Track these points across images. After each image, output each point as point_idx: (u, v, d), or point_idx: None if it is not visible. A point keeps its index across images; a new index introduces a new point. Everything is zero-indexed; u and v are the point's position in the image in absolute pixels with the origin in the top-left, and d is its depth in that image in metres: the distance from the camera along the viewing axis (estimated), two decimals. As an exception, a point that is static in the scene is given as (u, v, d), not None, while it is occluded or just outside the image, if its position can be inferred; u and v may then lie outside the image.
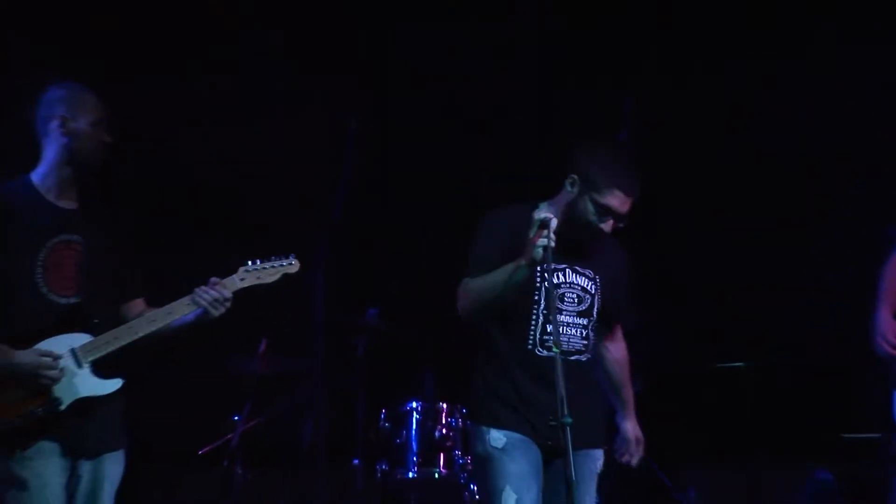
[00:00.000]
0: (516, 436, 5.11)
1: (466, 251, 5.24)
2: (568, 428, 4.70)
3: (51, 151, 5.07)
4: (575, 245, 5.07)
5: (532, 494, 5.06)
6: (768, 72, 8.29)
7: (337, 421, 6.96)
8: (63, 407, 4.98)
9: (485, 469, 5.19)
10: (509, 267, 4.98)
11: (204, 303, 5.14)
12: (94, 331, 5.08)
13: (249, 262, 5.28)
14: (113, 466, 5.15)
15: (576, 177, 5.18)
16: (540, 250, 4.87)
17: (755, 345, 7.97)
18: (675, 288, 8.25)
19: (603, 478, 5.91)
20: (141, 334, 5.07)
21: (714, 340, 7.98)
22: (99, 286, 5.14)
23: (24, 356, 4.93)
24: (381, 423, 6.78)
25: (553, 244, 4.92)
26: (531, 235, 4.93)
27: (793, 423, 7.77)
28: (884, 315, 5.68)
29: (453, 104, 8.54)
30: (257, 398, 7.12)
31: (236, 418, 7.07)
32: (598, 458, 5.22)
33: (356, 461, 6.79)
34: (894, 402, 5.70)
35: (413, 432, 6.69)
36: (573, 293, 5.16)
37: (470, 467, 6.61)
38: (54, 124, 5.05)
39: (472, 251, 5.18)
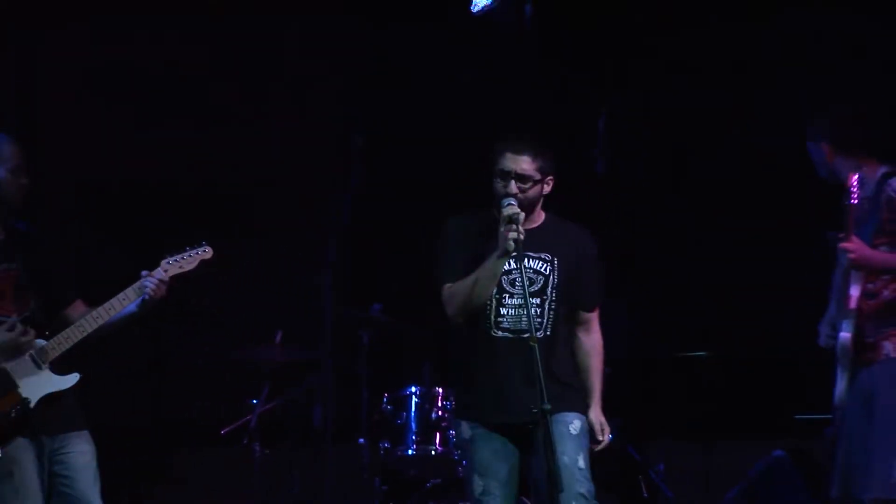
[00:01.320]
0: (479, 428, 5.27)
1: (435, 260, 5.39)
2: (543, 405, 4.83)
3: None
4: (527, 232, 5.16)
5: (500, 477, 5.22)
6: (769, 71, 8.09)
7: (344, 404, 7.06)
8: (32, 405, 5.26)
9: (463, 457, 5.48)
10: (487, 264, 5.14)
11: (149, 289, 5.31)
12: (46, 336, 5.30)
13: (168, 256, 5.44)
14: (81, 442, 5.36)
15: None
16: (511, 243, 5.04)
17: (754, 341, 7.94)
18: (676, 286, 8.06)
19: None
20: (89, 331, 5.31)
21: (711, 334, 7.82)
22: (42, 298, 5.36)
23: None
24: (384, 406, 6.90)
25: (522, 236, 5.06)
26: (502, 230, 5.08)
27: (750, 405, 7.56)
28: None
29: (453, 106, 8.37)
30: (273, 384, 7.22)
31: (254, 402, 7.19)
32: (570, 420, 5.24)
33: (361, 440, 6.93)
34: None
35: (412, 414, 6.81)
36: (522, 277, 5.20)
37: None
38: None
39: (441, 260, 5.37)
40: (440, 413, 6.81)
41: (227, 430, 7.29)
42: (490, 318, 5.27)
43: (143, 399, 8.48)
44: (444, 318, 5.32)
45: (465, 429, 5.28)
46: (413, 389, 6.87)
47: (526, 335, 5.12)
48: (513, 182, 5.23)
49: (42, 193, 7.70)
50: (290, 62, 8.60)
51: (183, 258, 5.44)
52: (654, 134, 8.19)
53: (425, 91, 8.40)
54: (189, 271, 5.46)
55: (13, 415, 5.22)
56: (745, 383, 7.57)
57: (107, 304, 5.32)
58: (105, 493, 6.17)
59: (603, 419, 5.34)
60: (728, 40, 8.08)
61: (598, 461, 6.69)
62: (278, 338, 7.20)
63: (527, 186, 5.25)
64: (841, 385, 5.75)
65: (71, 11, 8.25)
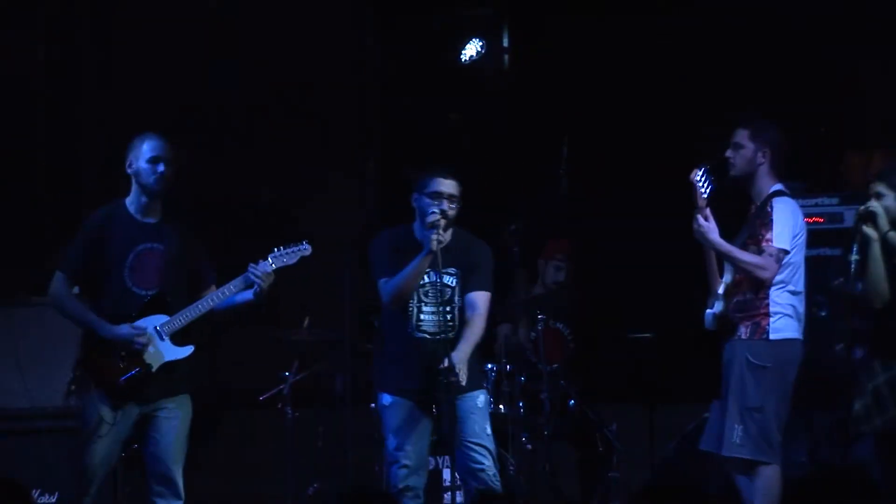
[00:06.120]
0: (396, 398, 5.90)
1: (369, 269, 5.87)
2: (450, 385, 5.55)
3: (133, 184, 5.87)
4: (441, 252, 5.65)
5: (409, 437, 5.81)
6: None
7: (359, 375, 7.39)
8: (154, 370, 5.71)
9: (380, 420, 6.03)
10: (416, 260, 5.67)
11: (255, 278, 5.66)
12: (170, 312, 5.75)
13: (276, 249, 5.78)
14: (184, 406, 5.80)
15: (414, 195, 5.80)
16: (435, 242, 5.59)
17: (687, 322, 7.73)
18: (624, 278, 8.40)
19: (549, 416, 7.04)
20: (204, 311, 5.71)
21: (653, 318, 8.00)
22: (176, 280, 5.78)
23: (121, 329, 5.68)
24: (390, 376, 7.18)
25: (444, 239, 5.58)
26: (427, 234, 5.62)
27: (686, 375, 7.82)
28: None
29: (446, 137, 8.90)
30: (302, 359, 7.58)
31: (287, 374, 7.55)
32: (476, 396, 5.83)
33: (373, 405, 6.92)
34: None
35: (412, 383, 7.12)
36: (435, 289, 5.75)
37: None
38: (125, 165, 5.82)
39: (377, 263, 5.86)
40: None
41: (265, 396, 7.66)
42: (412, 323, 5.85)
43: (200, 370, 8.39)
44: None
45: (386, 398, 5.96)
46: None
47: (440, 336, 5.71)
48: (445, 201, 5.71)
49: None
50: (321, 108, 9.16)
51: (287, 253, 5.80)
52: (607, 155, 8.62)
53: (425, 126, 8.94)
54: (291, 265, 5.81)
55: (137, 374, 5.62)
56: (682, 358, 7.90)
57: (223, 288, 5.73)
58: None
59: (449, 361, 5.67)
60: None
61: (564, 422, 7.50)
62: (307, 322, 7.59)
63: (454, 206, 5.76)
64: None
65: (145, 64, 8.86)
